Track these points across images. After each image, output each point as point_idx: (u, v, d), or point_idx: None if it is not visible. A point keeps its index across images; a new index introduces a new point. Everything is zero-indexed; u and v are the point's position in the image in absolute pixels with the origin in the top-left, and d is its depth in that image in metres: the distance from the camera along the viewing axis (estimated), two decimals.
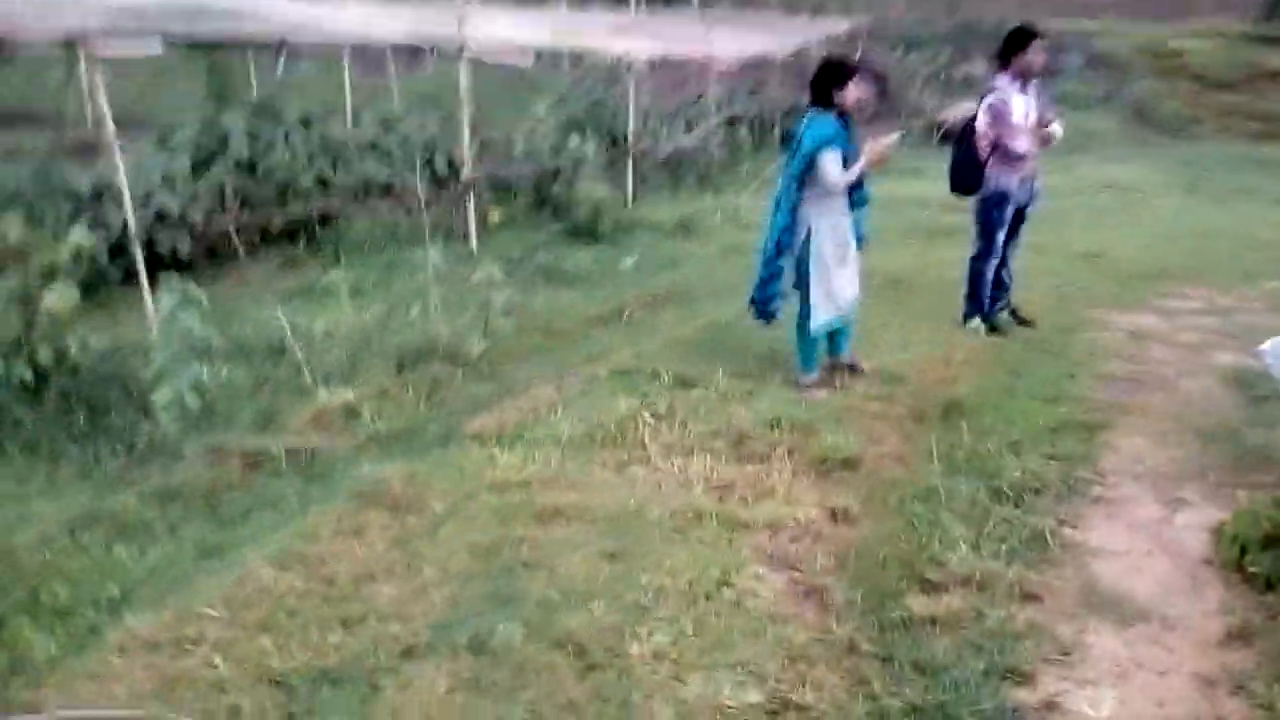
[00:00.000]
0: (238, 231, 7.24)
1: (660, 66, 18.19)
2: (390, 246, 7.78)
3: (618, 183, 10.39)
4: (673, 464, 4.11)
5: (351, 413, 4.54)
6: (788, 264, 4.99)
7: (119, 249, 6.32)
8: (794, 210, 4.87)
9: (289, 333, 5.18)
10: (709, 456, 4.21)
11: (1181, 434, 4.65)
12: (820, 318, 5.09)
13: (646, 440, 4.32)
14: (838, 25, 21.05)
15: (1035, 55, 5.82)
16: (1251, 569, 3.27)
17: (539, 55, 12.99)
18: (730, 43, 14.91)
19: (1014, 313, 6.48)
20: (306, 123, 8.40)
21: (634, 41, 11.51)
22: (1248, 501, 3.81)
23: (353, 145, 8.57)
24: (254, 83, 13.93)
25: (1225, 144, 18.46)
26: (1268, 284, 7.83)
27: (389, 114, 10.03)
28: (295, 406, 4.63)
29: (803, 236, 4.92)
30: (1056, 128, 6.10)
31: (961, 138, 6.19)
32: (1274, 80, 20.19)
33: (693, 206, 10.35)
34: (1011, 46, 5.92)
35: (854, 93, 4.95)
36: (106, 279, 6.42)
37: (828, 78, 4.85)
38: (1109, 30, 23.91)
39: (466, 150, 7.97)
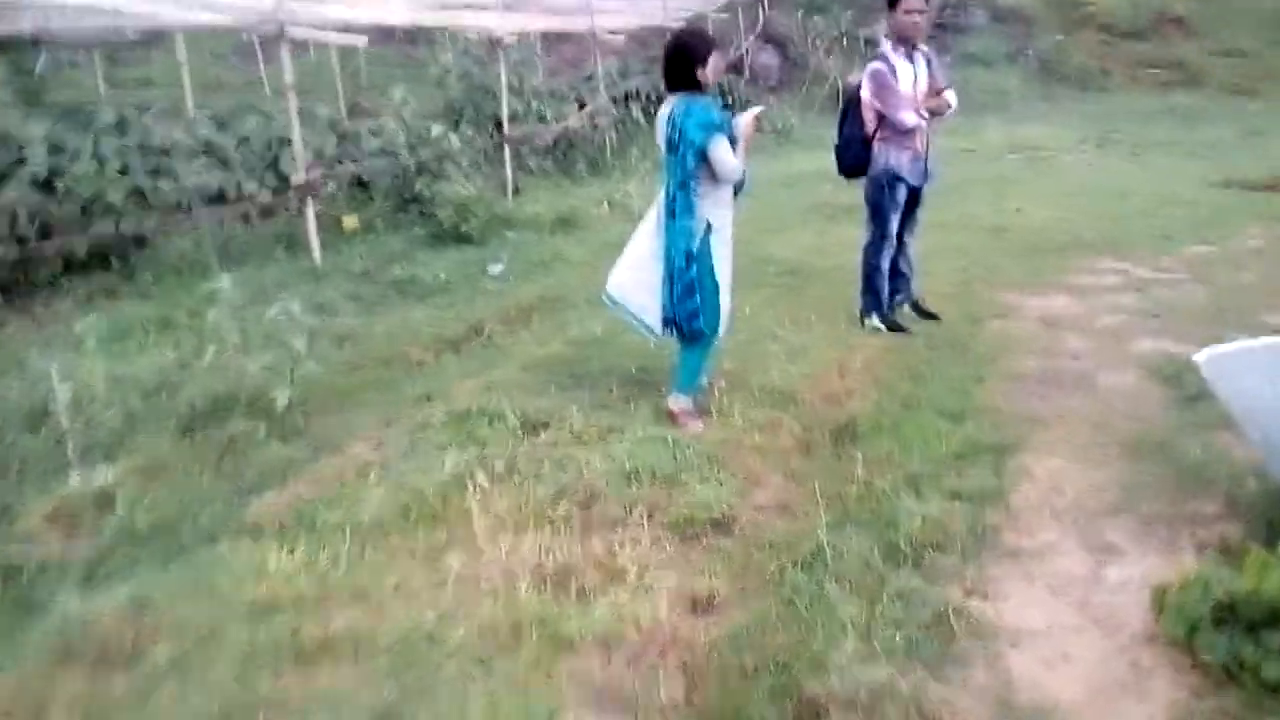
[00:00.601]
0: (25, 262, 6.21)
1: (552, 44, 17.26)
2: (220, 268, 6.80)
3: (496, 175, 9.50)
4: (500, 546, 3.30)
5: (105, 500, 3.65)
6: (697, 270, 4.22)
7: None
8: (693, 211, 4.10)
9: (55, 391, 4.24)
10: (548, 529, 3.42)
11: (1105, 449, 3.99)
12: (724, 326, 4.35)
13: (474, 513, 3.50)
14: None
15: (909, 14, 5.10)
16: (1204, 655, 2.59)
17: (411, 37, 11.94)
18: (617, 15, 14.05)
19: (916, 305, 5.80)
20: (122, 126, 7.33)
21: (506, 16, 10.58)
22: (1193, 551, 3.15)
23: (181, 149, 7.53)
24: (100, 85, 12.70)
25: (1135, 96, 18.19)
26: (1189, 248, 7.29)
27: (228, 110, 8.95)
28: (41, 494, 3.72)
29: (702, 235, 4.16)
30: (949, 96, 5.40)
31: (845, 113, 5.46)
32: (1180, 26, 19.98)
33: (578, 197, 9.51)
34: (889, 6, 5.21)
35: (715, 68, 4.16)
36: None
37: (686, 56, 4.08)
38: None
39: (298, 148, 7.00)
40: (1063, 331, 5.49)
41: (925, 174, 5.42)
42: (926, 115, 5.30)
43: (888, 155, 5.28)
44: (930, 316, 5.73)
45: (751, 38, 20.19)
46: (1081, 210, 8.54)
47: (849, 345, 5.30)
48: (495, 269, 7.00)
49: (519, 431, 4.16)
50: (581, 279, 6.90)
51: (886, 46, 5.23)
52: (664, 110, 4.13)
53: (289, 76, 6.78)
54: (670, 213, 4.13)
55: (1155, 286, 6.29)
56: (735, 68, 19.39)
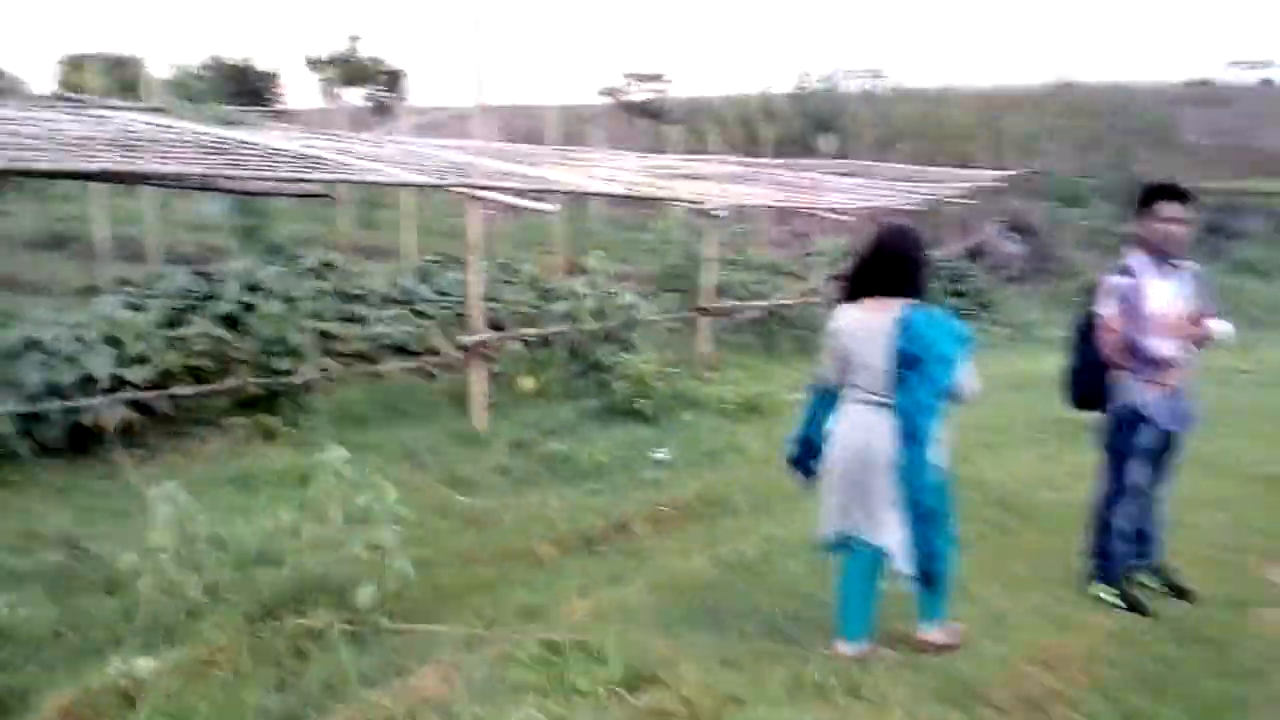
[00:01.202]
0: (198, 397, 6.18)
1: (787, 216, 17.02)
2: (383, 421, 6.57)
3: (691, 349, 9.02)
4: None
5: (130, 698, 3.18)
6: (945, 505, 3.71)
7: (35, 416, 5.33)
8: (938, 436, 3.55)
9: (140, 549, 3.91)
10: None
11: None
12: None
13: None
14: (981, 176, 19.47)
15: (1166, 222, 4.15)
16: None
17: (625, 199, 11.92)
18: (847, 194, 13.59)
19: (1162, 575, 4.59)
20: (325, 269, 7.43)
21: (726, 188, 10.33)
22: None
23: (376, 298, 7.53)
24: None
25: None
26: None
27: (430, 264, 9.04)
28: (71, 680, 3.31)
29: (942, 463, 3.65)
30: (1218, 325, 4.34)
31: (1080, 332, 4.50)
32: None
33: (775, 381, 8.80)
34: (1139, 209, 4.29)
35: (929, 274, 3.66)
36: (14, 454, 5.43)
37: (910, 258, 3.59)
38: None
39: (475, 306, 6.76)
40: None
41: (1183, 416, 4.33)
42: (1188, 347, 4.28)
43: (1130, 389, 4.26)
44: (1181, 594, 4.50)
45: (994, 224, 19.20)
46: None
47: (1066, 622, 4.18)
48: (660, 454, 6.37)
49: (616, 685, 3.38)
50: (752, 476, 6.13)
51: (1136, 259, 4.29)
52: (878, 318, 3.49)
53: (473, 235, 6.61)
54: (909, 438, 3.47)
55: None
56: (975, 254, 18.42)
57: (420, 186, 7.56)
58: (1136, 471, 4.33)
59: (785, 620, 4.01)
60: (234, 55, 30.65)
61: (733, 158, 19.65)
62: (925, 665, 3.69)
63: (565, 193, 8.14)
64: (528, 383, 7.46)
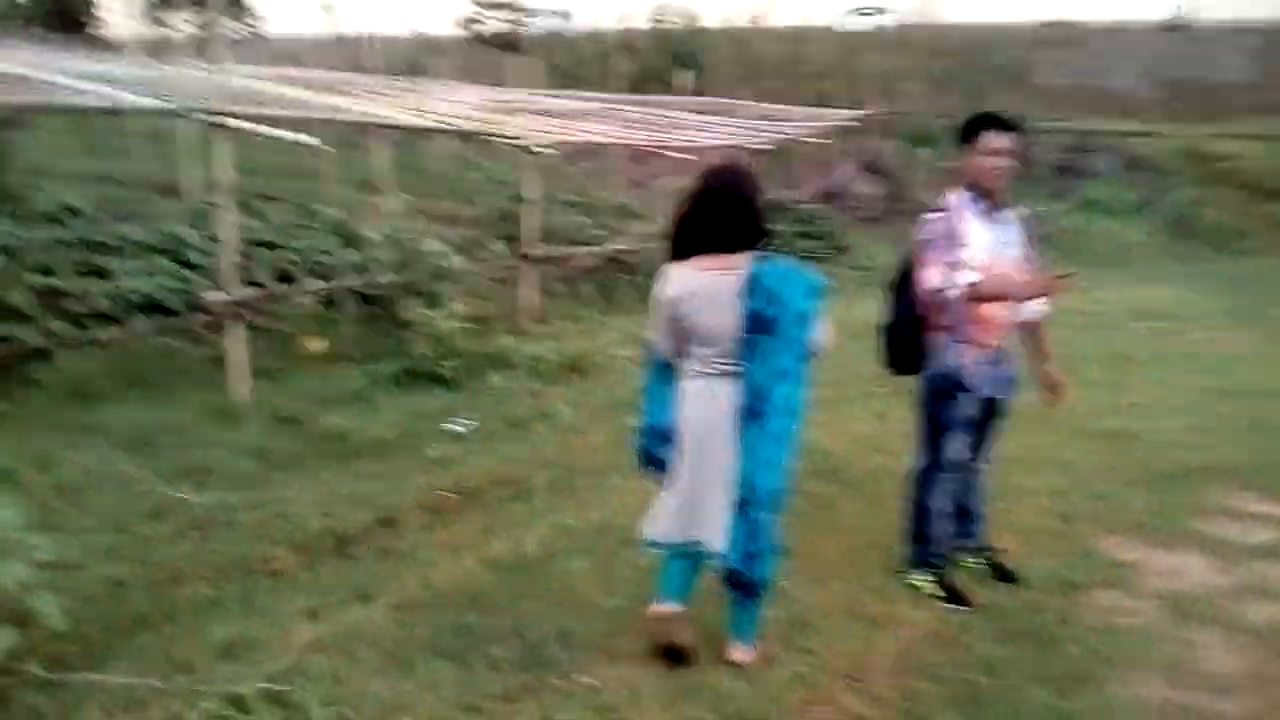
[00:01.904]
0: None
1: (636, 159, 16.23)
2: (122, 396, 5.59)
3: (513, 301, 8.23)
4: None
5: None
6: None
7: None
8: (799, 406, 3.07)
9: None
10: None
11: None
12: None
13: None
14: (837, 116, 19.12)
15: (990, 155, 3.60)
16: None
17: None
18: (702, 132, 12.92)
19: (987, 558, 4.12)
20: (66, 214, 6.31)
21: (566, 124, 9.49)
22: None
23: (136, 246, 6.45)
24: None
25: (1277, 262, 16.09)
26: None
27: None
28: None
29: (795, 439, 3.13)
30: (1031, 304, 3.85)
31: (897, 283, 3.93)
32: None
33: (605, 335, 8.11)
34: (962, 141, 3.72)
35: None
36: None
37: (750, 204, 3.03)
38: (1148, 131, 21.78)
39: (229, 254, 5.79)
40: (1199, 629, 3.73)
41: (1006, 381, 3.83)
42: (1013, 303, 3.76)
43: (948, 352, 3.72)
44: (1006, 577, 4.04)
45: (851, 165, 18.93)
46: (1219, 415, 6.72)
47: (879, 622, 3.66)
48: (456, 426, 5.61)
49: None
50: (558, 450, 5.46)
51: (955, 198, 3.72)
52: (720, 278, 2.95)
53: (222, 171, 5.62)
54: (754, 414, 2.96)
55: None
56: (833, 197, 18.11)
57: (151, 113, 6.44)
58: (956, 444, 3.82)
59: (554, 641, 3.35)
60: None
61: (586, 93, 18.73)
62: (710, 690, 3.10)
63: (352, 124, 7.17)
64: (315, 345, 6.56)
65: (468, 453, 5.32)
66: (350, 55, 24.28)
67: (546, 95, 16.87)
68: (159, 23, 27.79)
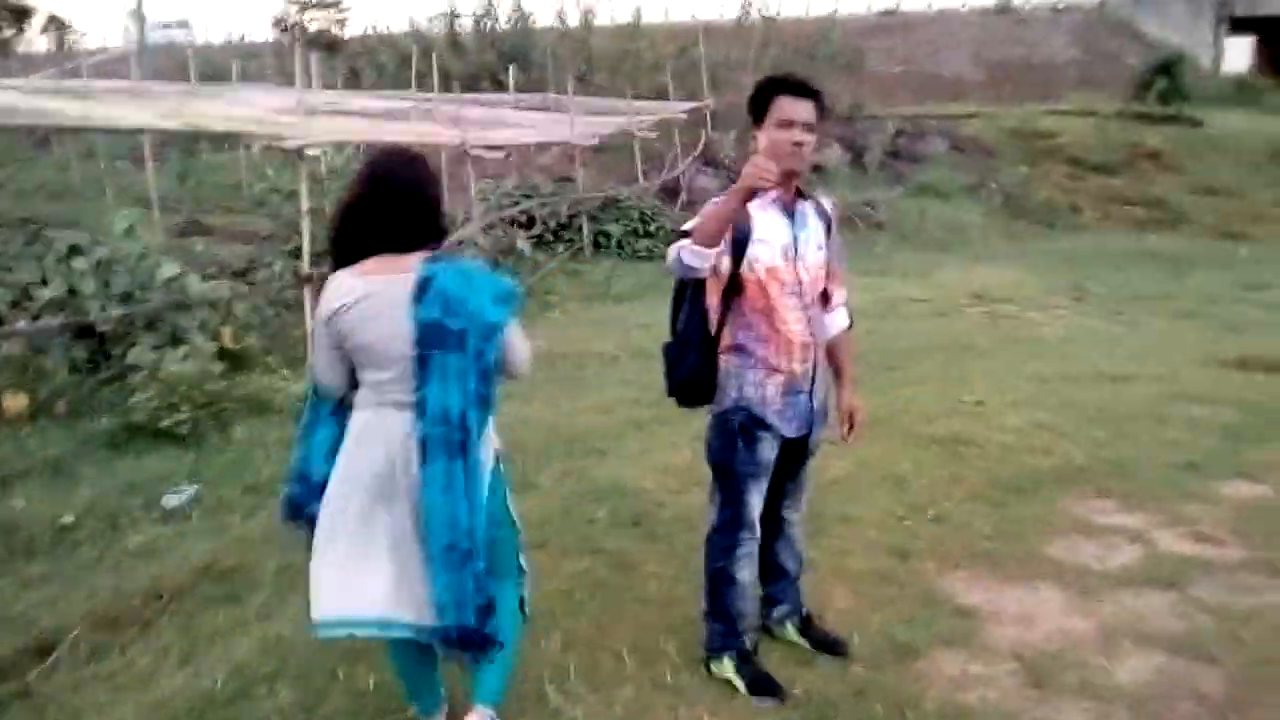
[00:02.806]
0: None
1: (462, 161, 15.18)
2: None
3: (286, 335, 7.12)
4: None
5: None
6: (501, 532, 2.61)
7: None
8: (486, 437, 2.53)
9: None
10: None
11: None
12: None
13: None
14: (672, 108, 18.52)
15: (785, 127, 2.81)
16: None
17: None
18: (524, 129, 12.00)
19: (805, 626, 3.34)
20: None
21: (347, 121, 8.40)
22: None
23: None
24: None
25: (1109, 235, 16.34)
26: (1225, 486, 4.93)
27: None
28: None
29: (493, 471, 2.57)
30: (835, 304, 3.10)
31: (678, 295, 3.09)
32: (1155, 161, 18.38)
33: None
34: (753, 113, 2.91)
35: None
36: None
37: (425, 197, 2.51)
38: (976, 113, 22.04)
39: None
40: (1061, 700, 3.04)
41: (810, 416, 3.03)
42: (819, 315, 2.98)
43: (741, 381, 2.92)
44: (831, 647, 3.27)
45: (690, 159, 18.35)
46: (1064, 406, 6.23)
47: None
48: (174, 499, 4.51)
49: None
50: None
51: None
52: (389, 284, 2.39)
53: None
54: (450, 446, 2.38)
55: (1194, 575, 3.89)
56: (671, 191, 17.48)
57: None
58: (756, 496, 3.01)
59: None
60: None
61: (405, 93, 17.57)
62: None
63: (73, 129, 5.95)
64: (15, 401, 5.32)
65: (182, 535, 4.25)
66: (159, 65, 22.32)
67: (358, 96, 15.66)
68: None
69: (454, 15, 24.00)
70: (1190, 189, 17.97)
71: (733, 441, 2.93)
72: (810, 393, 2.97)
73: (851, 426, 3.15)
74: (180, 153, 14.35)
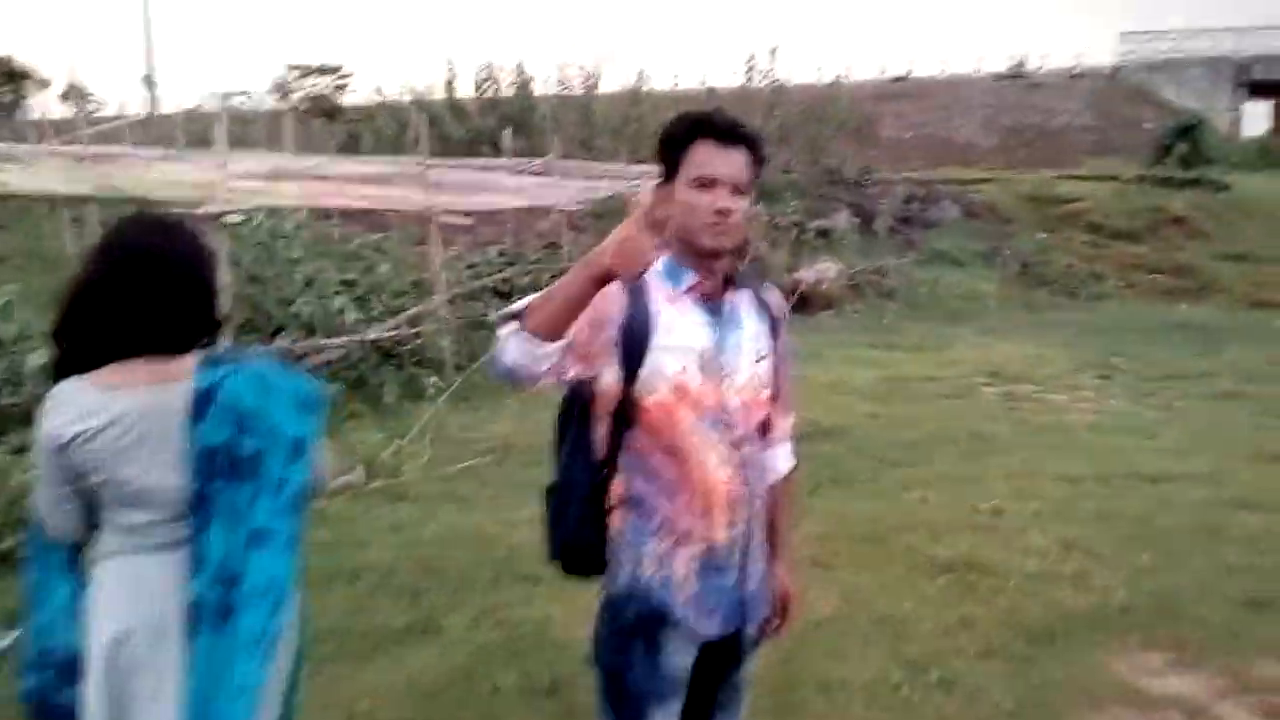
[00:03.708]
0: None
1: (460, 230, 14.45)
2: None
3: None
4: None
5: None
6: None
7: None
8: (289, 593, 1.94)
9: None
10: None
11: None
12: None
13: None
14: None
15: (702, 188, 1.90)
16: None
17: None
18: (514, 194, 11.25)
19: None
20: None
21: (309, 186, 7.64)
22: None
23: None
24: None
25: (1134, 305, 15.40)
26: None
27: None
28: None
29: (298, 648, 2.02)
30: (776, 442, 2.19)
31: (562, 421, 2.16)
32: (1180, 226, 17.49)
33: (361, 449, 6.22)
34: (664, 164, 2.01)
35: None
36: None
37: (200, 280, 1.95)
38: (990, 178, 21.31)
39: None
40: None
41: (741, 606, 2.07)
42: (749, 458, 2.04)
43: (638, 553, 1.98)
44: None
45: None
46: (1098, 518, 5.26)
47: None
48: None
49: None
50: None
51: (655, 266, 2.01)
52: (152, 396, 1.85)
53: None
54: (216, 610, 1.81)
55: None
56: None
57: None
58: None
59: None
60: None
61: (393, 158, 16.97)
62: None
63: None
64: None
65: None
66: (163, 132, 21.98)
67: (341, 161, 15.06)
68: None
69: (454, 80, 23.59)
70: (1217, 255, 17.06)
71: (625, 644, 2.00)
72: (742, 569, 2.03)
73: (782, 619, 2.20)
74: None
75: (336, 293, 8.80)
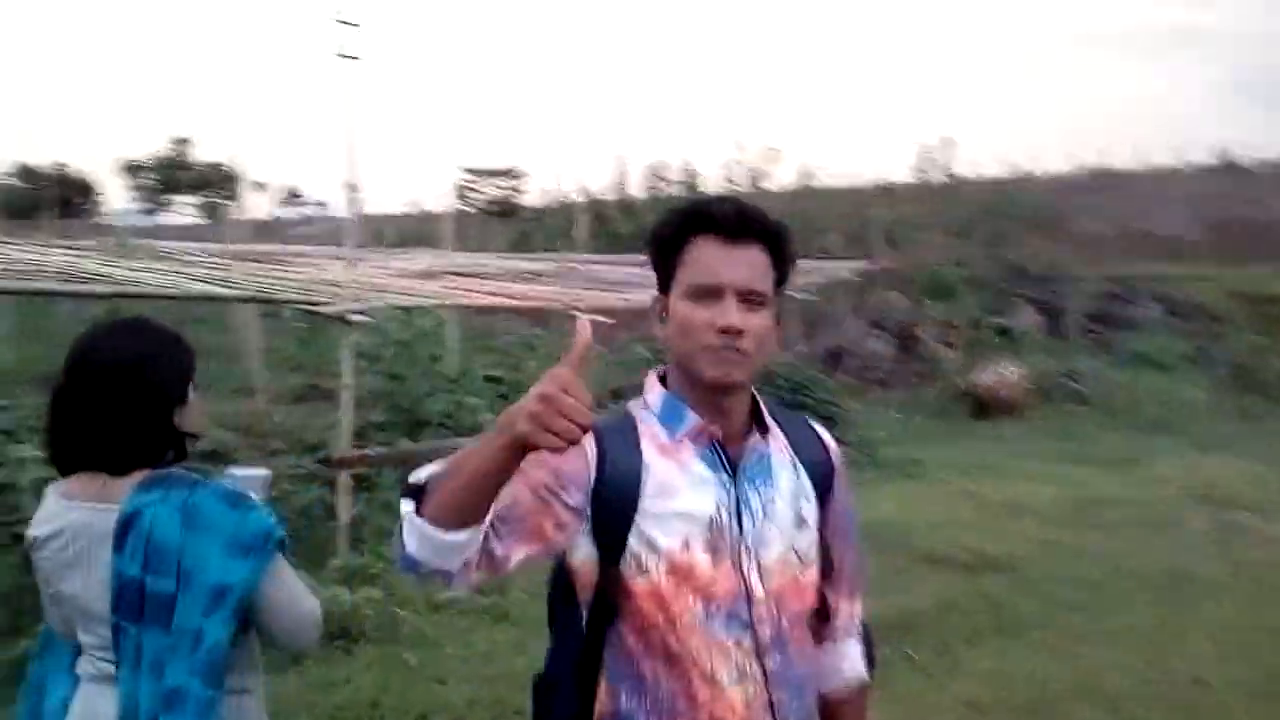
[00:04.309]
0: None
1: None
2: None
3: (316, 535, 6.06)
4: None
5: None
6: None
7: None
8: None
9: None
10: None
11: None
12: None
13: None
14: (837, 268, 17.18)
15: (702, 303, 1.39)
16: None
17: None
18: (620, 292, 10.94)
19: None
20: None
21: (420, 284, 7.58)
22: None
23: None
24: None
25: None
26: None
27: None
28: None
29: None
30: (847, 647, 1.57)
31: (552, 597, 1.61)
32: None
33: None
34: (660, 268, 1.49)
35: (198, 412, 1.91)
36: None
37: (151, 385, 1.81)
38: (1196, 275, 19.48)
39: None
40: None
41: None
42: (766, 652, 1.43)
43: None
44: None
45: (857, 322, 16.86)
46: None
47: None
48: None
49: None
50: None
51: (647, 396, 1.51)
52: (92, 514, 1.78)
53: None
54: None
55: None
56: (836, 356, 15.99)
57: None
58: None
59: None
60: (45, 161, 27.69)
61: (555, 255, 17.20)
62: None
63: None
64: None
65: None
66: (357, 232, 23.41)
67: (501, 258, 15.33)
68: (157, 206, 27.50)
69: (624, 178, 24.08)
70: None
71: None
72: None
73: None
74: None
75: (475, 392, 8.64)
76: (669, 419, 1.43)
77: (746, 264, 1.40)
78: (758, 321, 1.39)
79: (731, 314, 1.37)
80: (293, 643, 1.87)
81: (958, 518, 7.33)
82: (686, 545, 1.37)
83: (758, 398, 1.49)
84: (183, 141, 29.23)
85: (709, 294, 1.39)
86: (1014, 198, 23.48)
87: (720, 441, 1.43)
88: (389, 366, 7.98)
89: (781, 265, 1.43)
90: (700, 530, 1.38)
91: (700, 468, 1.42)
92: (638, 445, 1.40)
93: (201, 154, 29.16)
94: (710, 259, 1.40)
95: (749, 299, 1.39)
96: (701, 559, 1.37)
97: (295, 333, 13.13)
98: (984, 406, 13.30)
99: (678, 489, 1.39)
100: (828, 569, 1.50)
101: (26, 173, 26.54)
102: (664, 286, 1.45)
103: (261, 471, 2.05)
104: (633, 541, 1.37)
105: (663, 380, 1.50)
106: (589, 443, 1.36)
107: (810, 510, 1.47)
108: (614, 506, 1.37)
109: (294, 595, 1.80)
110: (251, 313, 13.43)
